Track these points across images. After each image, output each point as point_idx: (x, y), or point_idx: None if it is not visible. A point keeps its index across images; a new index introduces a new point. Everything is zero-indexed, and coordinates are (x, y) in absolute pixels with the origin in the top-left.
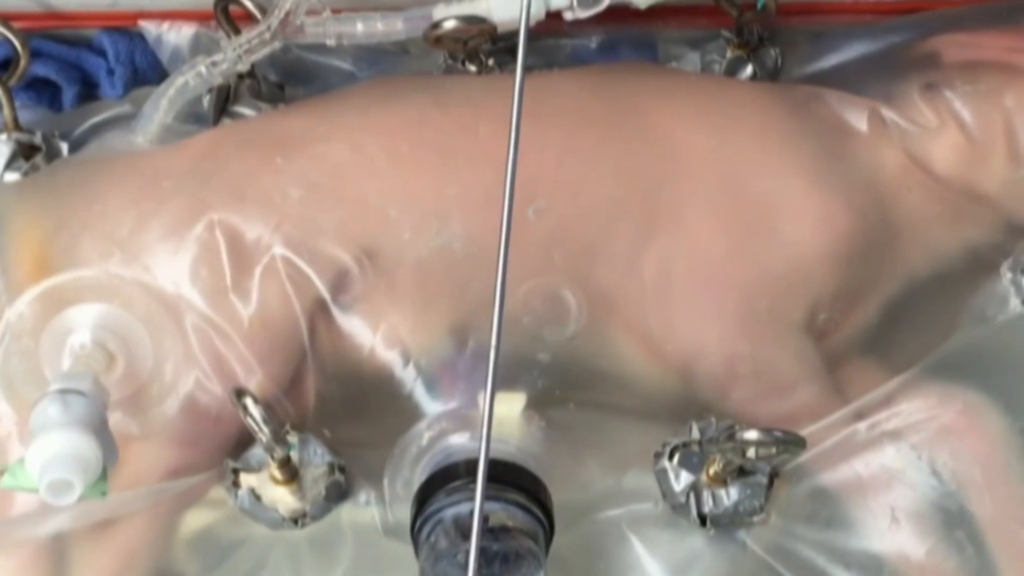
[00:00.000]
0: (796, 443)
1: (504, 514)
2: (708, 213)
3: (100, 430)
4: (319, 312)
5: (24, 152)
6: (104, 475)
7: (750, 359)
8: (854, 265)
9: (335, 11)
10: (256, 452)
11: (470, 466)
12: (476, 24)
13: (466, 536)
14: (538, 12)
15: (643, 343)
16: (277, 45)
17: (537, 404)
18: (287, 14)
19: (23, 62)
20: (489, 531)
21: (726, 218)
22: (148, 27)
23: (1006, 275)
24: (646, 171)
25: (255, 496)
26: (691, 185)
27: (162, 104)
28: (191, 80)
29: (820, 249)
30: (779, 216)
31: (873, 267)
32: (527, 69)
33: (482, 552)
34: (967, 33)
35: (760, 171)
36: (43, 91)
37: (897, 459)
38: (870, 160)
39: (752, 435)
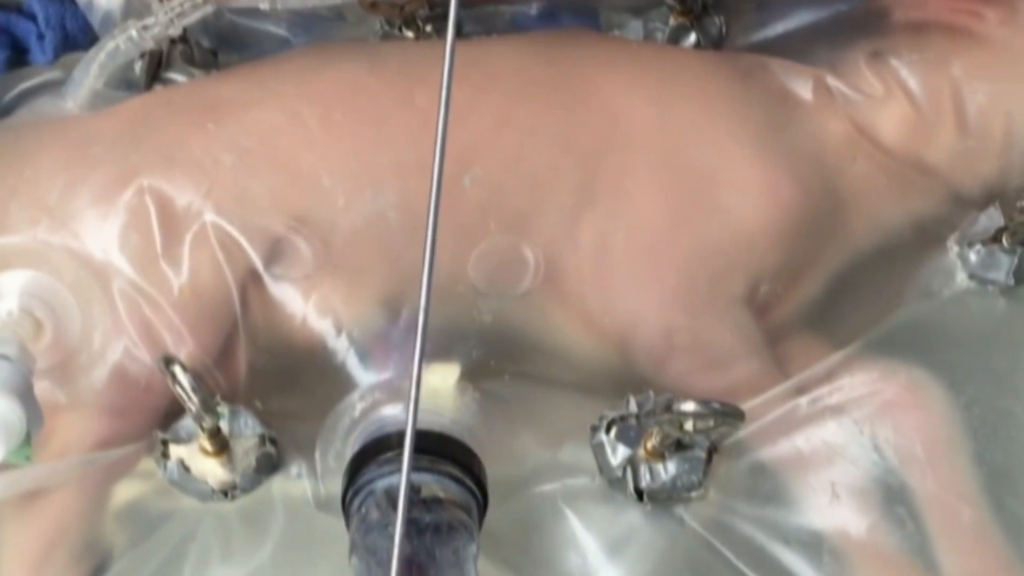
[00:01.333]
0: (735, 415)
1: (436, 486)
2: (649, 183)
3: (25, 395)
4: (251, 280)
5: None
6: (28, 440)
7: (689, 332)
8: (797, 238)
9: None
10: (186, 423)
11: (402, 437)
12: None
13: (397, 507)
14: None
15: (580, 315)
16: (210, 9)
17: (472, 376)
18: None
19: None
20: (421, 502)
21: (667, 189)
22: None
23: (953, 249)
24: (586, 140)
25: (184, 468)
26: (632, 155)
27: (93, 69)
28: (122, 45)
29: (763, 221)
30: (721, 187)
31: (817, 240)
32: (466, 36)
33: (414, 523)
34: None
35: (702, 141)
36: None
37: (839, 434)
38: (815, 130)
39: (690, 407)
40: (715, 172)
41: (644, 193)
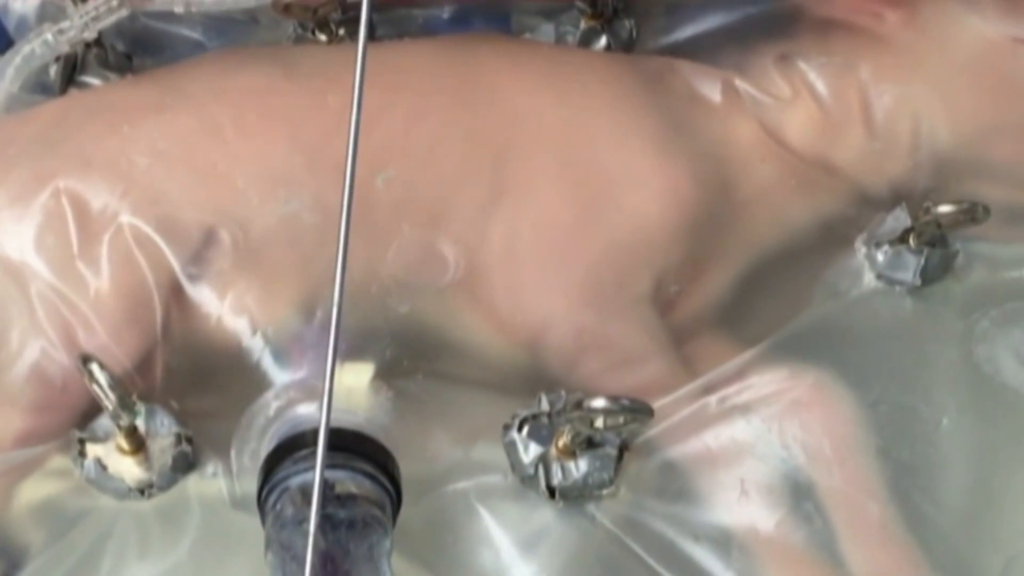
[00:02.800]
0: (644, 411)
1: (351, 482)
2: (555, 183)
3: None
4: (167, 281)
5: None
6: None
7: (598, 331)
8: (699, 236)
9: None
10: (103, 422)
11: (317, 435)
12: None
13: (311, 503)
14: None
15: (492, 314)
16: (124, 13)
17: (386, 375)
18: None
19: None
20: (336, 499)
21: (573, 188)
22: None
23: (861, 249)
24: (495, 140)
25: (101, 466)
26: (538, 155)
27: (8, 73)
28: (37, 48)
29: (662, 219)
30: (624, 187)
31: (721, 238)
32: (378, 39)
33: (328, 519)
34: None
35: (608, 142)
36: None
37: (747, 432)
38: (723, 131)
39: (599, 403)
40: (618, 171)
41: (550, 192)
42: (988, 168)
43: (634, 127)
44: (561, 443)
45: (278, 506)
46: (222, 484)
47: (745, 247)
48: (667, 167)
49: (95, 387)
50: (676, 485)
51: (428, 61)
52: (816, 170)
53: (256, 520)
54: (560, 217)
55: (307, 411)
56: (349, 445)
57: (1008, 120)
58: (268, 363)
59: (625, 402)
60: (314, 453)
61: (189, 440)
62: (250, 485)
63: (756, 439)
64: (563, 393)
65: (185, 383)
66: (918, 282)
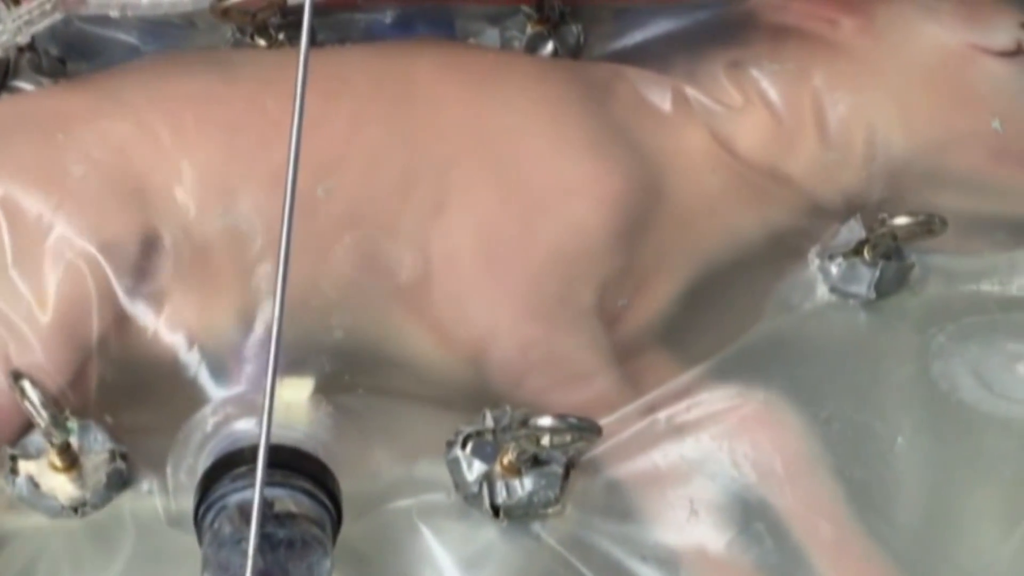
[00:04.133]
0: (591, 430)
1: (290, 500)
2: (495, 194)
3: None
4: (102, 293)
5: None
6: None
7: (544, 346)
8: (642, 246)
9: None
10: (35, 438)
11: (255, 452)
12: None
13: (250, 522)
14: None
15: (434, 328)
16: (58, 17)
17: (325, 389)
18: None
19: None
20: (275, 517)
21: (512, 199)
22: None
23: (814, 262)
24: (435, 150)
25: (33, 484)
26: (479, 165)
27: None
28: None
29: (602, 229)
30: (562, 196)
31: (667, 249)
32: (320, 44)
33: (267, 538)
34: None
35: (547, 151)
36: None
37: (696, 451)
38: (671, 140)
39: (547, 421)
40: (556, 181)
41: (489, 203)
42: (944, 178)
43: (573, 135)
44: (506, 461)
45: (215, 524)
46: (158, 502)
47: (692, 258)
48: (604, 175)
49: (27, 404)
50: (623, 504)
51: (369, 68)
52: (767, 180)
53: (193, 539)
54: (500, 228)
55: (245, 427)
56: (288, 462)
57: (965, 129)
58: (205, 377)
59: (572, 420)
60: (252, 470)
61: (124, 457)
62: (186, 503)
63: (705, 457)
64: (508, 409)
65: (120, 398)
66: (873, 296)
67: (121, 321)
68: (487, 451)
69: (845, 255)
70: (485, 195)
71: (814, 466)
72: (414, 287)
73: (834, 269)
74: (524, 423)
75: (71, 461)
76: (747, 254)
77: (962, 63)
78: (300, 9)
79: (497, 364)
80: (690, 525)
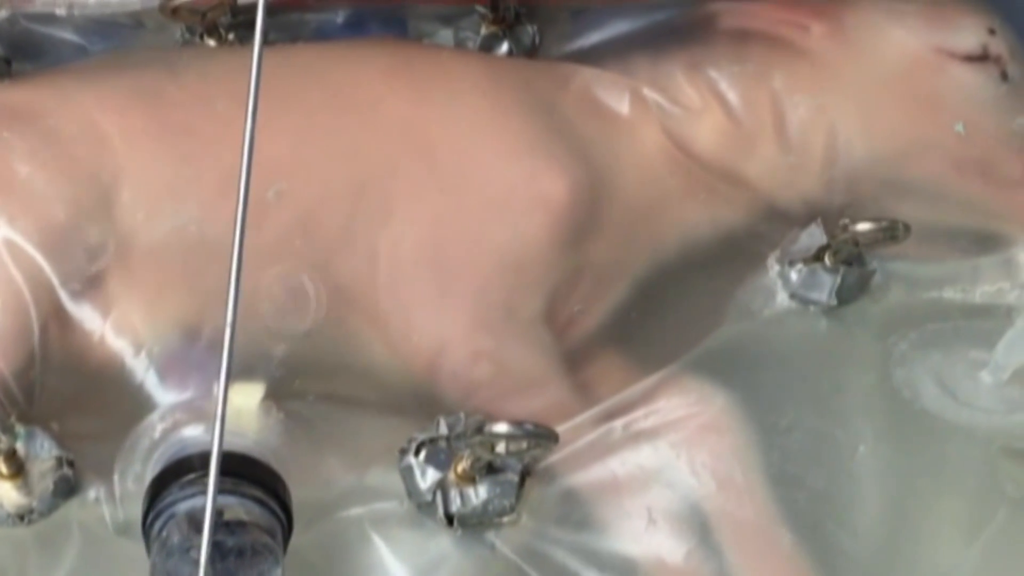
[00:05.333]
0: (548, 437)
1: (240, 508)
2: (441, 200)
3: None
4: (46, 297)
5: None
6: None
7: (495, 355)
8: (593, 248)
9: None
10: None
11: (204, 459)
12: None
13: (199, 530)
14: None
15: (384, 335)
16: (4, 15)
17: (276, 396)
18: None
19: None
20: (224, 525)
21: (460, 205)
22: None
23: (773, 267)
24: (384, 154)
25: None
26: (425, 169)
27: None
28: None
29: (548, 233)
30: (508, 201)
31: (623, 251)
32: (270, 44)
33: (217, 547)
34: (740, 2)
35: (492, 155)
36: None
37: (654, 458)
38: (628, 142)
39: (502, 428)
40: (501, 185)
41: (437, 210)
42: (906, 187)
43: (518, 139)
44: (460, 468)
45: (164, 533)
46: (105, 510)
47: (648, 263)
48: (548, 179)
49: None
50: (580, 513)
51: (320, 70)
52: (725, 183)
53: (140, 547)
54: (445, 237)
55: (193, 433)
56: (238, 469)
57: (928, 137)
58: (153, 383)
59: (529, 426)
60: (201, 478)
61: (71, 464)
62: (134, 511)
63: (663, 466)
64: (462, 416)
65: (66, 404)
66: (834, 302)
67: (66, 326)
68: (441, 458)
69: (806, 261)
70: (430, 203)
71: (765, 480)
72: (365, 294)
73: (794, 275)
74: (479, 430)
75: (17, 468)
76: (705, 259)
77: (928, 68)
78: (250, 8)
79: (447, 374)
80: (648, 534)
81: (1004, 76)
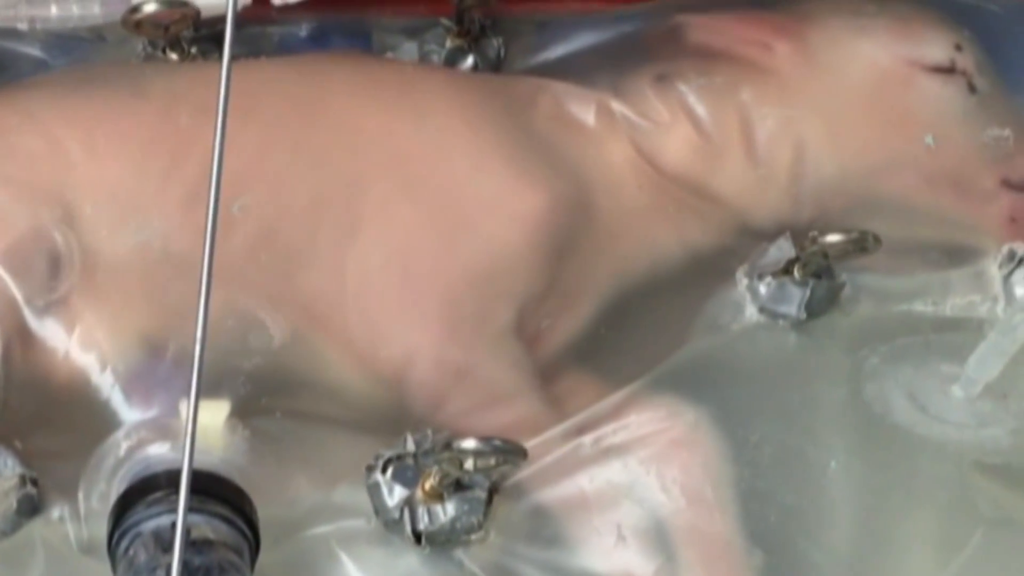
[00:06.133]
0: (517, 453)
1: (207, 527)
2: (411, 211)
3: None
4: (11, 315)
5: None
6: None
7: (464, 367)
8: (564, 261)
9: None
10: None
11: (170, 477)
12: (178, 8)
13: (166, 549)
14: None
15: (351, 350)
16: None
17: (242, 413)
18: None
19: None
20: (191, 544)
21: (430, 216)
22: None
23: (742, 281)
24: (351, 168)
25: None
26: (395, 182)
27: None
28: None
29: (523, 245)
30: (482, 212)
31: (588, 265)
32: (233, 58)
33: (184, 565)
34: (706, 16)
35: (466, 167)
36: None
37: (624, 474)
38: (596, 155)
39: (470, 444)
40: (475, 197)
41: (407, 222)
42: (876, 201)
43: (493, 152)
44: (428, 485)
45: (130, 552)
46: (69, 529)
47: (616, 276)
48: (526, 191)
49: None
50: (549, 530)
51: (283, 84)
52: (693, 197)
53: (106, 566)
54: (416, 248)
55: (159, 452)
56: (204, 487)
57: (898, 152)
58: (118, 401)
59: (497, 443)
60: (167, 496)
61: (34, 482)
62: (99, 530)
63: (633, 482)
64: (430, 433)
65: (30, 421)
66: (803, 316)
67: (29, 342)
68: (408, 476)
69: (774, 274)
70: (401, 214)
71: (735, 497)
72: (332, 308)
73: (763, 289)
74: (447, 446)
75: None
76: (674, 273)
77: (898, 81)
78: (213, 22)
79: (416, 386)
80: (617, 551)
81: (972, 88)
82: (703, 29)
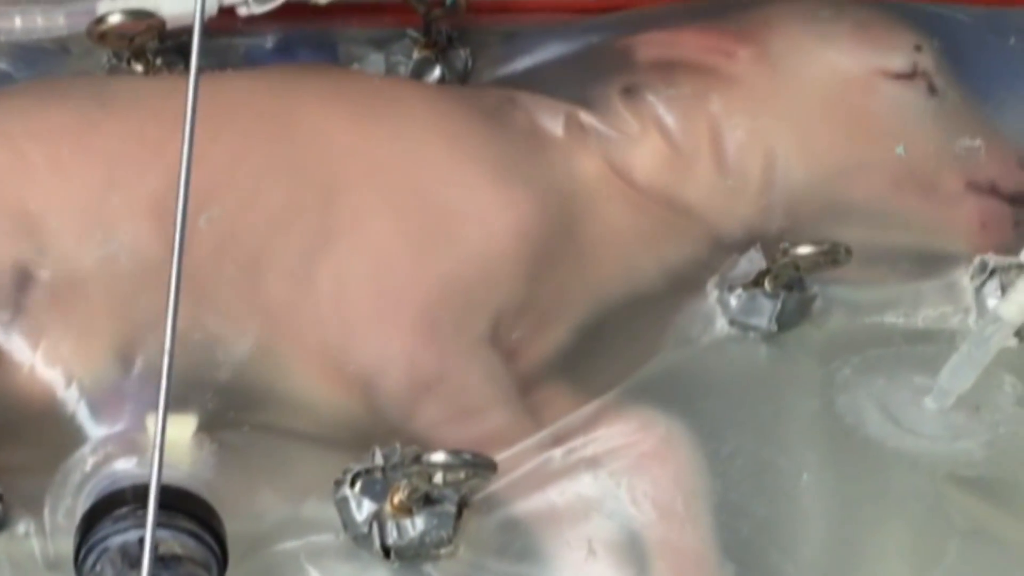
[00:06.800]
0: (487, 466)
1: (175, 542)
2: (388, 221)
3: None
4: None
5: None
6: None
7: (437, 377)
8: (540, 273)
9: None
10: None
11: (137, 492)
12: (143, 19)
13: (133, 565)
14: (211, 7)
15: (321, 362)
16: None
17: (209, 427)
18: None
19: None
20: (159, 559)
21: (407, 224)
22: None
23: (712, 293)
24: (321, 179)
25: None
26: (370, 192)
27: None
28: None
29: (505, 253)
30: (463, 220)
31: (564, 277)
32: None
33: None
34: (665, 31)
35: (445, 175)
36: None
37: (594, 488)
38: (566, 167)
39: (440, 457)
40: (456, 205)
41: (383, 231)
42: (846, 207)
43: (473, 160)
44: (396, 500)
45: (97, 568)
46: (35, 544)
47: (588, 288)
48: (511, 199)
49: None
50: (519, 544)
51: (252, 96)
52: (664, 209)
53: None
54: (394, 256)
55: (126, 466)
56: (172, 502)
57: (866, 156)
58: (84, 415)
59: (467, 456)
60: (134, 511)
61: (0, 498)
62: (65, 545)
63: (604, 495)
64: (398, 447)
65: None
66: (774, 328)
67: None
68: (377, 490)
69: (745, 286)
70: (377, 223)
71: (709, 509)
72: (302, 320)
73: (733, 301)
74: (416, 459)
75: None
76: (644, 285)
77: (861, 88)
78: (178, 33)
79: (388, 396)
80: (588, 565)
81: (932, 89)
82: (658, 44)
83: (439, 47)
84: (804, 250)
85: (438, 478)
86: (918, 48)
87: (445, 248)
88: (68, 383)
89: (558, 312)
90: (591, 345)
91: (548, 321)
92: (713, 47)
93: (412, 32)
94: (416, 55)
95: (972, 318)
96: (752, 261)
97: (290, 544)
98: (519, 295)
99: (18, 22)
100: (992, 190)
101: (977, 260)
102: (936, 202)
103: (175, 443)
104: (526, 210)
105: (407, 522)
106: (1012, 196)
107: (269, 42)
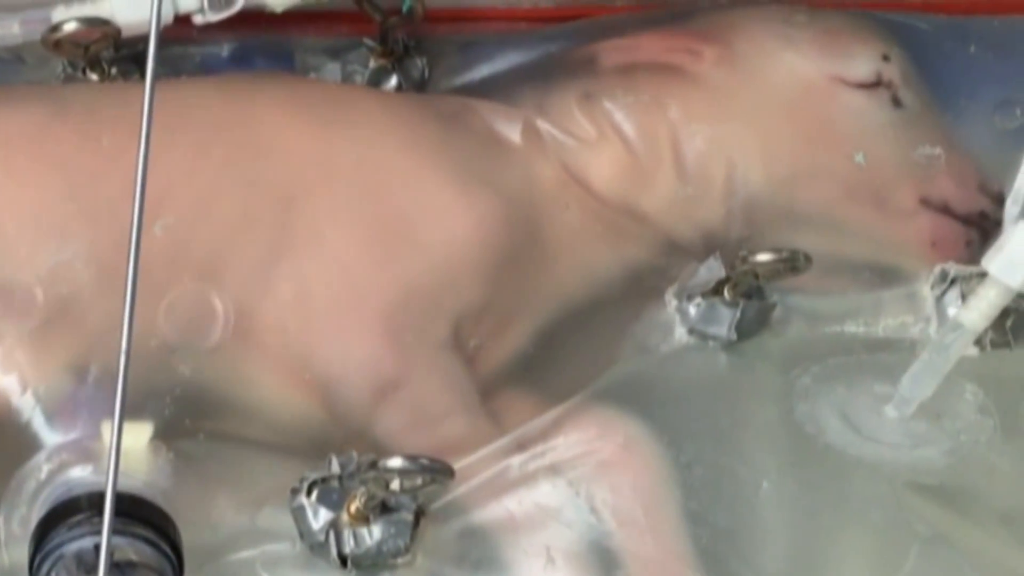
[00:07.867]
0: (443, 472)
1: (130, 549)
2: (347, 227)
3: None
4: None
5: None
6: None
7: (397, 382)
8: (500, 277)
9: None
10: None
11: (93, 499)
12: (99, 27)
13: (89, 572)
14: (166, 15)
15: (279, 369)
16: None
17: (165, 435)
18: None
19: None
20: (115, 566)
21: (367, 231)
22: None
23: (671, 302)
24: (279, 186)
25: None
26: (329, 199)
27: None
28: None
29: (463, 254)
30: (422, 225)
31: (522, 284)
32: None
33: None
34: (625, 38)
35: (403, 183)
36: None
37: (553, 496)
38: (524, 174)
39: (396, 463)
40: (417, 210)
41: (342, 238)
42: (800, 215)
43: (432, 165)
44: (353, 508)
45: (52, 575)
46: None
47: (547, 296)
48: (471, 203)
49: None
50: (477, 552)
51: (207, 103)
52: (623, 216)
53: None
54: (355, 262)
55: (81, 474)
56: (127, 509)
57: (823, 163)
58: (39, 423)
59: (424, 461)
60: (89, 518)
61: None
62: (19, 554)
63: (563, 503)
64: (355, 455)
65: None
66: (733, 337)
67: None
68: (333, 498)
69: (704, 295)
70: (337, 230)
71: (675, 512)
72: (257, 328)
73: (692, 310)
74: (373, 466)
75: None
76: (603, 293)
77: (821, 95)
78: (134, 42)
79: (349, 401)
80: (547, 574)
81: (896, 102)
82: (620, 50)
83: (395, 56)
84: (763, 257)
85: (395, 484)
86: (885, 58)
87: (405, 254)
88: (23, 390)
89: (518, 317)
90: (550, 352)
91: (508, 326)
92: (678, 46)
93: (368, 41)
94: (372, 64)
95: (933, 327)
96: (711, 269)
97: (246, 553)
98: (480, 300)
99: None
100: (945, 208)
101: (938, 269)
102: (888, 215)
103: (131, 451)
104: (486, 214)
105: (364, 531)
106: (965, 216)
107: (225, 51)
